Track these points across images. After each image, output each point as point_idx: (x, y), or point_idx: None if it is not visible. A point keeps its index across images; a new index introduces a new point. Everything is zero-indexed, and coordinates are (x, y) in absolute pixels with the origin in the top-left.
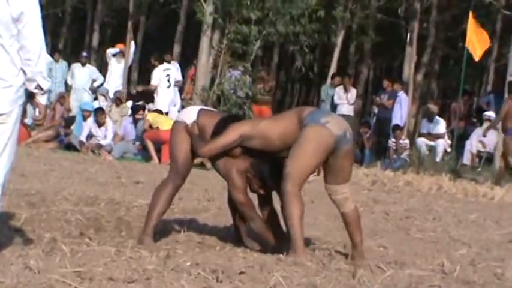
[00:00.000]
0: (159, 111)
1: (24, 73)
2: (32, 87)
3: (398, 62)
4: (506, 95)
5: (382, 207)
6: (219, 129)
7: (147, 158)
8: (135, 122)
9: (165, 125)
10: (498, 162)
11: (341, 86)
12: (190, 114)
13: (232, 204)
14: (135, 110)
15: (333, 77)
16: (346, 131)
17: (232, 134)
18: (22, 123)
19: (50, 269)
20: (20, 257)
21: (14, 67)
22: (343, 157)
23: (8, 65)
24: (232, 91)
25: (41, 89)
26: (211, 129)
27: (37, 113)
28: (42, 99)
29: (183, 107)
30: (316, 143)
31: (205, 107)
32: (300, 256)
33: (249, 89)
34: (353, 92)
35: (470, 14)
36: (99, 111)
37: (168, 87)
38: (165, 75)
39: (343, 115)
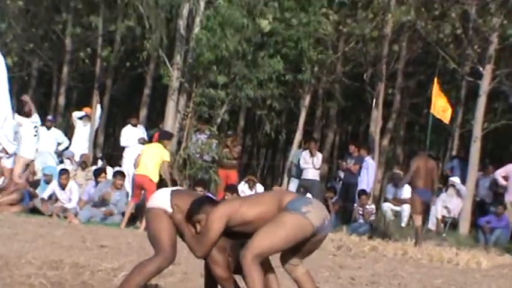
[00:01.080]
0: (121, 173)
1: None
2: None
3: (364, 127)
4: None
5: (348, 272)
6: (196, 211)
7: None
8: (97, 184)
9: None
10: (463, 227)
11: (307, 151)
12: (163, 200)
13: (210, 276)
14: (96, 173)
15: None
16: (325, 219)
17: (217, 225)
18: None
19: None
20: None
21: None
22: (316, 242)
23: None
24: (198, 155)
25: (7, 152)
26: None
27: (1, 180)
28: (7, 163)
29: None
30: (292, 231)
31: (174, 188)
32: None
33: (215, 153)
34: (319, 157)
35: (435, 79)
36: (62, 173)
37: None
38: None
39: (307, 179)
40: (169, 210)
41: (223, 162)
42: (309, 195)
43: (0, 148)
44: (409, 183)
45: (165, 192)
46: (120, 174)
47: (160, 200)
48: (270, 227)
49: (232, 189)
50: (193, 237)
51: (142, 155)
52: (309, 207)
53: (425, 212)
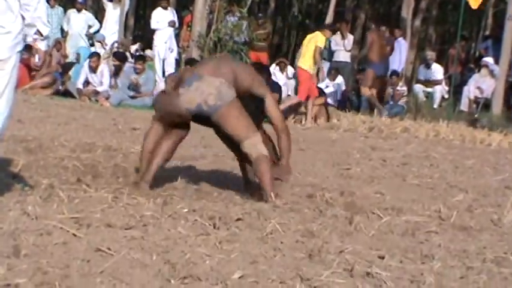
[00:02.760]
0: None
1: (23, 19)
2: (31, 33)
3: (396, 8)
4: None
5: (379, 153)
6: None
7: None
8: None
9: None
10: (495, 108)
11: (338, 33)
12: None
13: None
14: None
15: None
16: (200, 103)
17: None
18: (27, 67)
19: (48, 215)
20: (18, 203)
21: (12, 13)
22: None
23: (5, 11)
24: (228, 37)
25: (41, 34)
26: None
27: (37, 59)
28: (41, 45)
29: (179, 54)
30: (168, 104)
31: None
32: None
33: (246, 35)
34: (350, 38)
35: None
36: (92, 56)
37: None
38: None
39: (339, 62)
40: None
41: (254, 44)
42: (339, 78)
43: (34, 30)
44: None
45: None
46: (140, 59)
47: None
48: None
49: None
50: None
51: None
52: (184, 89)
53: (381, 86)
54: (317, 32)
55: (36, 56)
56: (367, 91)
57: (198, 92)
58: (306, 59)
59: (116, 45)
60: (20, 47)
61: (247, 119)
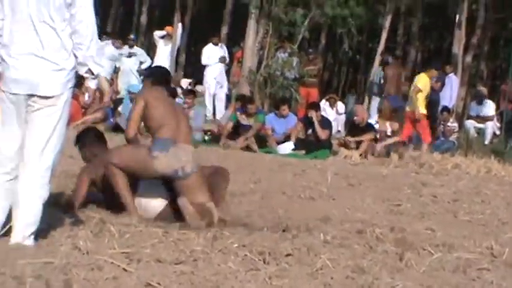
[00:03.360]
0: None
1: (75, 57)
2: (82, 71)
3: (447, 44)
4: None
5: (430, 190)
6: None
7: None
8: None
9: None
10: None
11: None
12: None
13: None
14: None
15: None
16: (178, 170)
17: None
18: (79, 104)
19: (99, 250)
20: (69, 237)
21: (65, 51)
22: (185, 186)
23: (59, 49)
24: (279, 73)
25: (92, 73)
26: None
27: (86, 97)
28: (91, 84)
29: (229, 89)
30: (135, 163)
31: None
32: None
33: (296, 71)
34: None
35: None
36: None
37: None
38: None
39: None
40: None
41: (304, 80)
42: None
43: (85, 69)
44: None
45: None
46: (190, 93)
47: None
48: (127, 150)
49: (314, 106)
50: None
51: None
52: (161, 155)
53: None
54: (421, 74)
55: (86, 94)
56: (384, 125)
57: (176, 159)
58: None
59: None
60: (71, 84)
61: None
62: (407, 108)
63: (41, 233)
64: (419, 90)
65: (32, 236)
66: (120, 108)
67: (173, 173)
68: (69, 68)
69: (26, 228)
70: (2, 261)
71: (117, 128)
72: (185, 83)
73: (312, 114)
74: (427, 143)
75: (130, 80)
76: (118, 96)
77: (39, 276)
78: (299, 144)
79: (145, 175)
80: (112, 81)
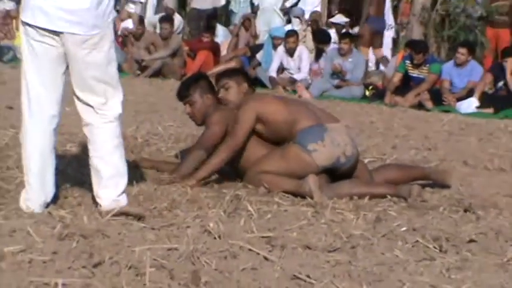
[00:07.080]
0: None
1: None
2: None
3: None
4: None
5: None
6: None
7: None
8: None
9: None
10: None
11: None
12: None
13: None
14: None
15: None
16: (339, 157)
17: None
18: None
19: (233, 234)
20: (198, 218)
21: None
22: (348, 174)
23: None
24: (460, 10)
25: None
26: None
27: (131, 25)
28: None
29: (397, 32)
30: (293, 165)
31: None
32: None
33: (482, 7)
34: None
35: None
36: (290, 36)
37: None
38: None
39: None
40: None
41: (493, 19)
42: None
43: None
44: None
45: None
46: (346, 37)
47: None
48: (270, 159)
49: (508, 53)
50: None
51: None
52: (317, 145)
53: None
54: None
55: (130, 21)
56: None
57: (334, 144)
58: None
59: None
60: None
61: None
62: None
63: (161, 212)
64: None
65: (124, 194)
66: (258, 56)
67: (333, 163)
68: None
69: (113, 186)
70: (114, 246)
71: (255, 82)
72: (340, 20)
73: (507, 62)
74: None
75: (272, 20)
76: (257, 42)
77: (160, 266)
78: (486, 101)
79: (305, 175)
80: (249, 22)
